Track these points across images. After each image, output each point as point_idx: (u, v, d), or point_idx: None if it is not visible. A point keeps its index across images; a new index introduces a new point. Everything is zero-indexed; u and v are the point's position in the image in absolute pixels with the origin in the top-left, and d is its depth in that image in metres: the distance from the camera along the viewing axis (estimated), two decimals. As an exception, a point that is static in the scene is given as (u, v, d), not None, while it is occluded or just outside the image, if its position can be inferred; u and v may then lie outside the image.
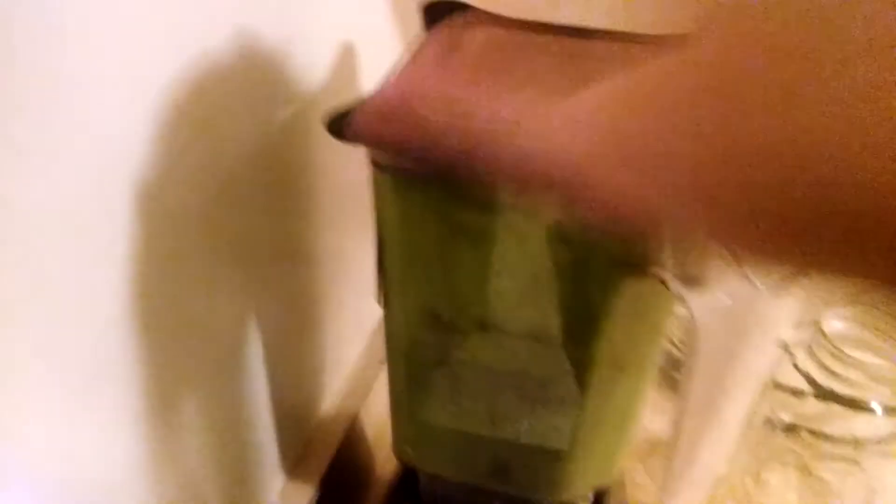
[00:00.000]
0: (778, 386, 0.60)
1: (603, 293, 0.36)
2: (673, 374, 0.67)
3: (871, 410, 0.58)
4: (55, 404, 0.29)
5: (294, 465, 0.57)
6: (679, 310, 0.36)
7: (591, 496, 0.48)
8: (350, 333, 0.64)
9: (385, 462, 0.64)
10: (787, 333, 0.59)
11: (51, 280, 0.27)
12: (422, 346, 0.41)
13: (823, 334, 0.58)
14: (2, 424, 0.26)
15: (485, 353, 0.40)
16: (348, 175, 0.54)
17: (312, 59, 0.46)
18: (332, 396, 0.62)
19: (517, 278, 0.37)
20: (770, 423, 0.63)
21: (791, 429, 0.63)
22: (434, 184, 0.34)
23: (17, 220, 0.25)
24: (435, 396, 0.43)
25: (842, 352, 0.58)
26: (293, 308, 0.51)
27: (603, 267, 0.35)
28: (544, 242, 0.35)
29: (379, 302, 0.40)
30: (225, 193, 0.38)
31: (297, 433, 0.57)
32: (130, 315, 0.32)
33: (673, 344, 0.55)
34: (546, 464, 0.43)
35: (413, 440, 0.46)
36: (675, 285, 0.34)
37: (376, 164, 0.34)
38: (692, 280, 0.34)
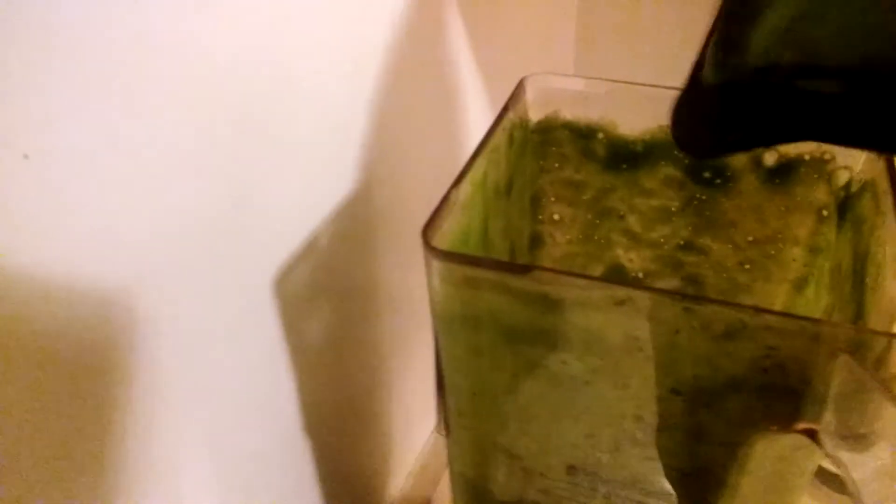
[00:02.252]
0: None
1: (730, 451, 0.27)
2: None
3: None
4: None
5: None
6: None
7: None
8: (420, 408, 0.57)
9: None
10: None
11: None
12: (493, 484, 0.33)
13: None
14: None
15: (573, 499, 0.32)
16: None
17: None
18: (400, 480, 0.55)
19: (615, 424, 0.28)
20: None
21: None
22: (505, 319, 0.26)
23: None
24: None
25: None
26: (357, 380, 0.44)
27: (729, 423, 0.26)
28: (650, 389, 0.26)
29: (440, 431, 0.33)
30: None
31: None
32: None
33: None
34: None
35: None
36: (831, 445, 0.25)
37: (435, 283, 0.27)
38: (856, 440, 0.25)
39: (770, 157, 0.37)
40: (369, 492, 0.51)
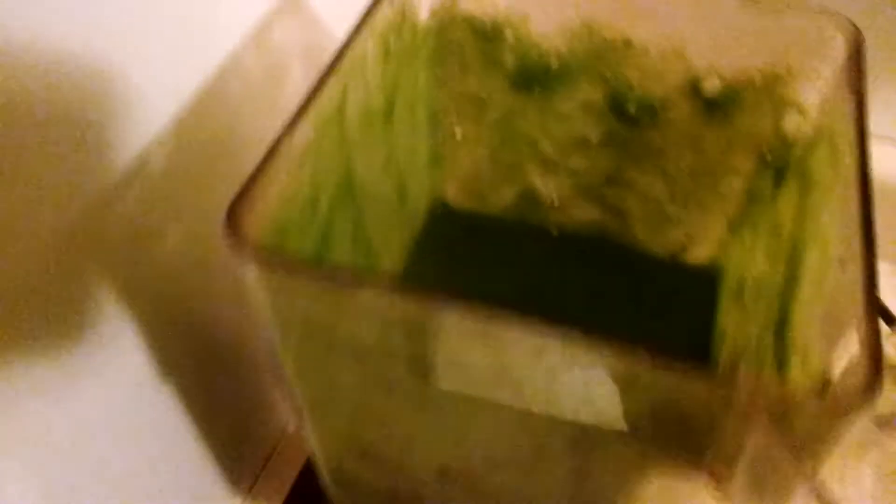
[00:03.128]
0: None
1: (618, 486, 0.22)
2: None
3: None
4: None
5: (253, 483, 0.47)
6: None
7: None
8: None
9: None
10: None
11: None
12: (360, 476, 0.29)
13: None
14: None
15: (447, 500, 0.27)
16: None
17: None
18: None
19: (488, 447, 0.23)
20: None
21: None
22: (342, 333, 0.20)
23: None
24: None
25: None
26: (218, 318, 0.38)
27: (621, 465, 0.21)
28: (528, 423, 0.21)
29: (292, 426, 0.27)
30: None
31: (259, 445, 0.47)
32: None
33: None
34: None
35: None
36: (739, 499, 0.21)
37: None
38: (765, 497, 0.20)
39: (711, 85, 0.30)
40: (265, 413, 0.47)
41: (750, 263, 0.31)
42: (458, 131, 0.36)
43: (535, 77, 0.32)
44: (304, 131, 0.23)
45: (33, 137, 0.22)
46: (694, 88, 0.31)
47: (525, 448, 0.23)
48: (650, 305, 0.37)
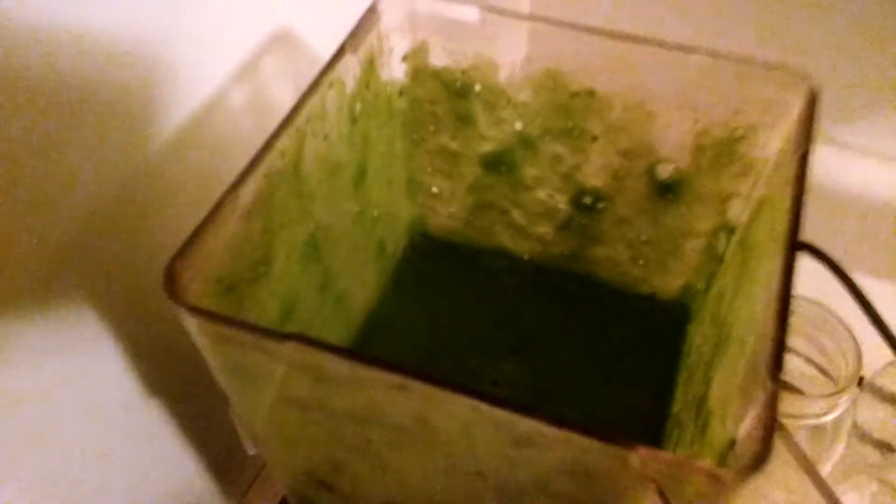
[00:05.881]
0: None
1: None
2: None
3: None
4: None
5: (246, 490, 0.47)
6: None
7: None
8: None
9: None
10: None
11: None
12: (319, 500, 0.30)
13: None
14: None
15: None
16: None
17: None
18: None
19: (423, 486, 0.24)
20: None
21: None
22: (276, 383, 0.22)
23: None
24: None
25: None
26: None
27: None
28: (455, 467, 0.22)
29: (250, 450, 0.28)
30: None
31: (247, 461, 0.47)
32: None
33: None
34: None
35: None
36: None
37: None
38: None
39: (664, 171, 0.31)
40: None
41: (699, 326, 0.32)
42: (435, 187, 0.37)
43: (501, 159, 0.34)
44: (254, 185, 0.24)
45: None
46: (649, 174, 0.32)
47: (457, 490, 0.24)
48: (621, 338, 0.36)
